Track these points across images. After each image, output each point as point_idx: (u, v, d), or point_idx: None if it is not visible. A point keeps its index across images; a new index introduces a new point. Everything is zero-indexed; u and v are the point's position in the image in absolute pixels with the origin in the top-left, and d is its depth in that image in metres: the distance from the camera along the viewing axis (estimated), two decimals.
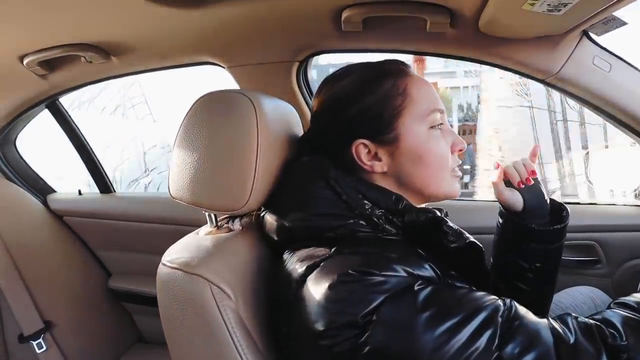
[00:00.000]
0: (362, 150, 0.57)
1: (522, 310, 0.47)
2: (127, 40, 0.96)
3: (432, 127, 0.58)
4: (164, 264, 0.56)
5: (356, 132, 0.57)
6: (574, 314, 0.48)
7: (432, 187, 0.59)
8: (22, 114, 1.31)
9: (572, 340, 0.44)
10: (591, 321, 0.47)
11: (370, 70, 0.59)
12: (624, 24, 0.73)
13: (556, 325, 0.45)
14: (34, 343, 1.30)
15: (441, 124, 0.59)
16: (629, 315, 0.47)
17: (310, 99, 1.09)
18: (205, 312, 0.52)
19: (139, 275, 1.46)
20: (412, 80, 0.59)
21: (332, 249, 0.50)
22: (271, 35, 0.94)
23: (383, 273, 0.45)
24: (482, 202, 1.10)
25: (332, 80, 0.61)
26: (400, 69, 0.60)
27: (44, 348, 1.31)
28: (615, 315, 0.47)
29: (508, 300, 0.47)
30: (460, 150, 0.61)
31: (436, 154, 0.58)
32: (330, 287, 0.45)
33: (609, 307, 0.51)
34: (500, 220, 0.70)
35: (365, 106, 0.57)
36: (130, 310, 1.53)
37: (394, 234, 0.55)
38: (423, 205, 0.61)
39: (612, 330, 0.45)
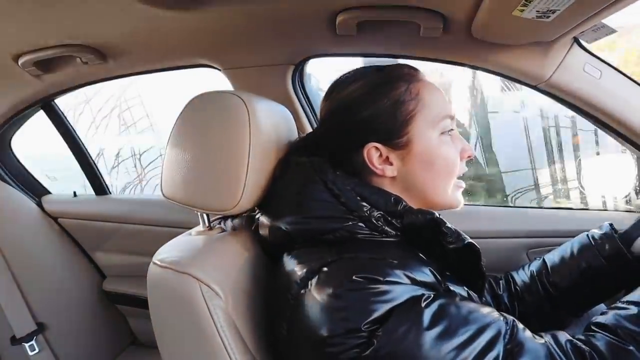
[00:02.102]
0: (374, 153, 0.57)
1: (524, 332, 0.48)
2: (123, 42, 0.96)
3: (443, 132, 0.58)
4: (154, 263, 0.56)
5: (368, 136, 0.57)
6: (567, 335, 0.50)
7: (437, 195, 0.59)
8: (16, 115, 1.31)
9: None
10: (583, 346, 0.48)
11: (382, 74, 0.59)
12: (614, 31, 0.74)
13: (552, 347, 0.47)
14: (27, 345, 1.29)
15: (451, 129, 0.59)
16: (612, 340, 0.49)
17: (306, 102, 1.10)
18: (195, 310, 0.52)
19: (134, 278, 1.45)
20: (424, 85, 0.58)
21: (333, 253, 0.50)
22: (266, 38, 0.95)
23: (387, 280, 0.46)
24: (478, 207, 1.11)
25: (343, 83, 0.60)
26: (412, 73, 0.59)
27: (37, 350, 1.30)
28: (601, 340, 0.49)
29: (510, 319, 0.48)
30: (469, 157, 0.61)
31: (447, 160, 0.58)
32: (333, 294, 0.46)
33: (589, 330, 0.53)
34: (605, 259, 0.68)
35: (379, 110, 0.56)
36: (124, 312, 1.52)
37: (393, 236, 0.55)
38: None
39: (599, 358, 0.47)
